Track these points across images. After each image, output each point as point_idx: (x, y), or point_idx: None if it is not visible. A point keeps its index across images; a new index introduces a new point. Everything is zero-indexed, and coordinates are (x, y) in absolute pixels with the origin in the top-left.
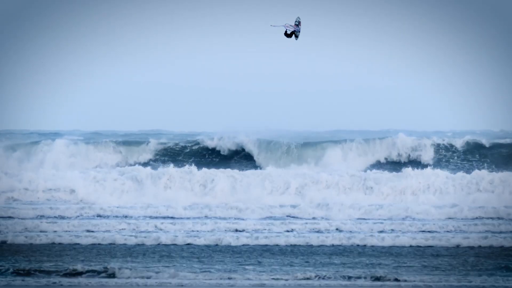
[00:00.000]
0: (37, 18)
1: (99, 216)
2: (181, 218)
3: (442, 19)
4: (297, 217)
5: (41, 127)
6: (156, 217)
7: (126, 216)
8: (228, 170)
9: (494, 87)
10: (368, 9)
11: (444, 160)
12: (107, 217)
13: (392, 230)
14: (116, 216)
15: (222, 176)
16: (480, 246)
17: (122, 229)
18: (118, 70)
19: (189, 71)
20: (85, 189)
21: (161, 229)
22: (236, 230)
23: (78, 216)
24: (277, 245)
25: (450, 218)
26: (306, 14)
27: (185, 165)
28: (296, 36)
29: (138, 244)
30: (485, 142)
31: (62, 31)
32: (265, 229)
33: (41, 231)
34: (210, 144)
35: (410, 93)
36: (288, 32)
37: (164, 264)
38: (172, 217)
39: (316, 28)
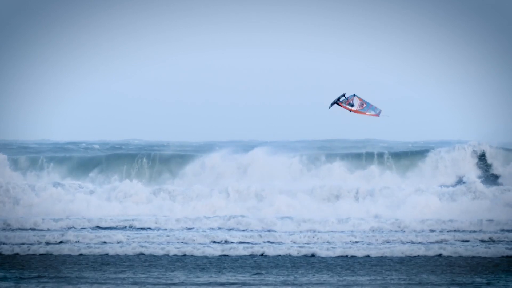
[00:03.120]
0: (20, 29)
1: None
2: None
3: (454, 28)
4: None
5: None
6: None
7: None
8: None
9: (503, 95)
10: (376, 19)
11: None
12: None
13: None
14: None
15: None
16: None
17: None
18: (98, 80)
19: (179, 82)
20: None
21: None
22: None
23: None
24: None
25: None
26: (310, 21)
27: None
28: (338, 104)
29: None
30: None
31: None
32: None
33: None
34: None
35: (413, 102)
36: (338, 101)
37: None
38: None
39: (320, 38)
